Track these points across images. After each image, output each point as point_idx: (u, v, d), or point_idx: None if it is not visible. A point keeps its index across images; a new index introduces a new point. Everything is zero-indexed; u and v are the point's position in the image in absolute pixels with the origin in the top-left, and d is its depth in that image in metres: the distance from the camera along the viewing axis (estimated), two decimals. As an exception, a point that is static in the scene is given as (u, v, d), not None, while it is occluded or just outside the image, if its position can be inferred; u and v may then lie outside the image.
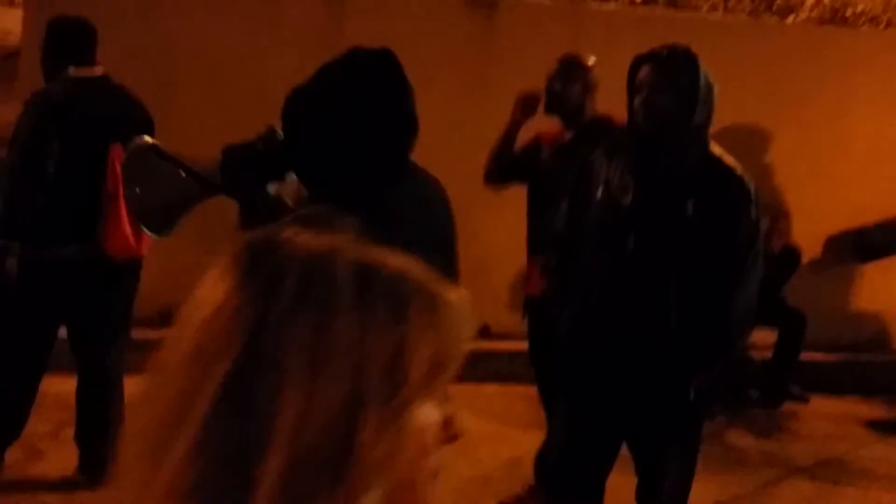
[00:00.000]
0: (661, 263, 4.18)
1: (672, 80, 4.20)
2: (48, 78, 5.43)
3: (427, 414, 1.13)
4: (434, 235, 3.05)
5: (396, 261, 1.16)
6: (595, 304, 4.32)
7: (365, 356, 1.08)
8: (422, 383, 1.11)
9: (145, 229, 4.90)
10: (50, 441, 5.83)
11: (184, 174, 4.18)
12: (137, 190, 4.40)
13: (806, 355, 8.35)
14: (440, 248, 3.05)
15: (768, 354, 8.36)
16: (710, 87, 4.25)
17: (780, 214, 8.41)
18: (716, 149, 4.29)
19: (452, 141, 7.45)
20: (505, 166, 5.78)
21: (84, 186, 5.22)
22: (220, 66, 7.93)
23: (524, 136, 5.80)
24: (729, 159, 4.27)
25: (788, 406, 8.19)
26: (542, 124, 5.79)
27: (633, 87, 4.30)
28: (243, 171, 3.59)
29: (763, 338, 8.22)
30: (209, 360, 1.08)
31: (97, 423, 5.48)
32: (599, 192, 4.33)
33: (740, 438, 7.37)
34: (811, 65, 8.82)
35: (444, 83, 8.21)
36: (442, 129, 8.02)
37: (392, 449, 1.08)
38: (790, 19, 9.55)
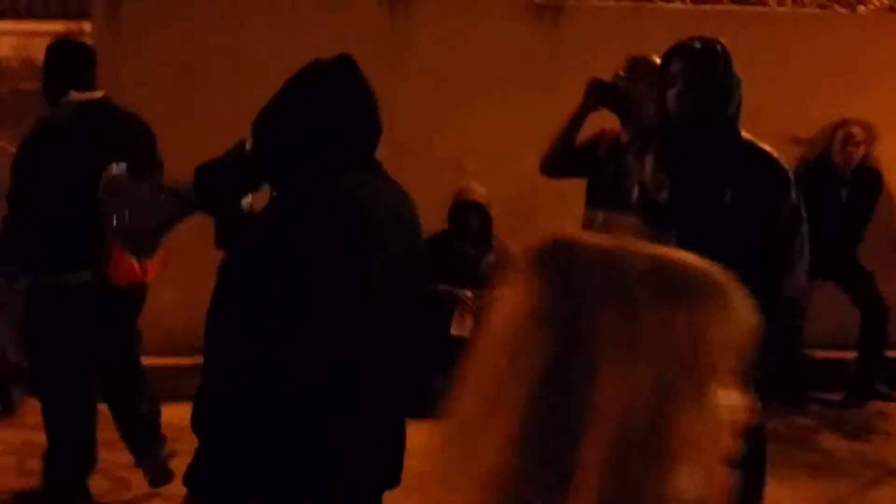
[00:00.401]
0: (705, 256, 4.10)
1: (707, 72, 4.17)
2: (50, 102, 5.45)
3: (725, 396, 1.21)
4: (397, 236, 3.14)
5: (679, 254, 1.28)
6: None
7: (667, 341, 1.16)
8: (718, 366, 1.20)
9: (128, 253, 4.94)
10: (135, 470, 5.80)
11: (159, 195, 4.23)
12: (119, 217, 4.45)
13: (893, 353, 8.15)
14: (405, 250, 3.16)
15: (833, 354, 8.17)
16: (739, 80, 4.24)
17: (855, 125, 8.03)
18: (747, 135, 4.23)
19: (517, 142, 7.37)
20: (562, 156, 5.64)
21: (92, 212, 5.18)
22: (285, 73, 7.89)
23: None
24: (763, 145, 4.23)
25: (876, 405, 7.99)
26: (612, 122, 5.67)
27: (664, 81, 4.24)
28: (215, 186, 3.68)
29: (831, 335, 8.05)
30: (522, 357, 1.17)
31: (139, 432, 5.56)
32: (635, 194, 4.27)
33: (830, 440, 7.20)
34: (881, 54, 8.64)
35: (509, 86, 8.15)
36: (507, 131, 7.97)
37: (699, 427, 1.16)
38: (860, 9, 9.35)
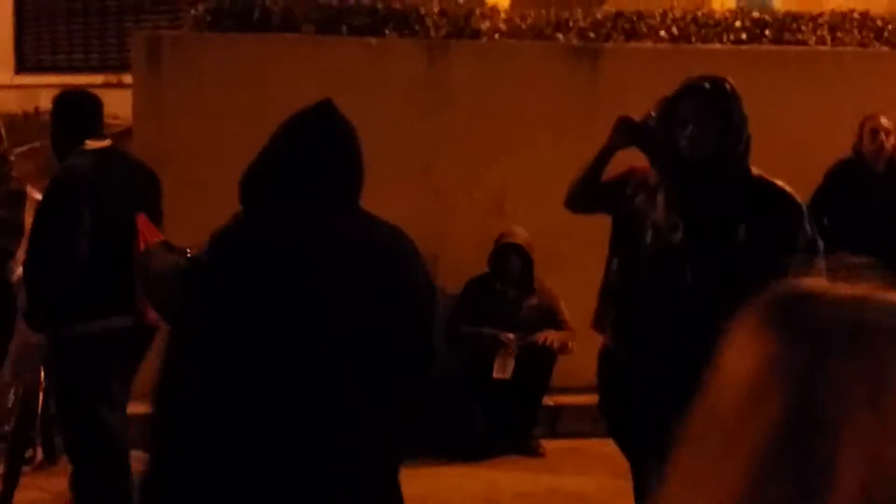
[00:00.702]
0: (722, 294, 4.08)
1: (718, 111, 4.19)
2: (64, 152, 5.50)
3: None
4: (366, 278, 3.02)
5: None
6: (664, 348, 4.24)
7: None
8: None
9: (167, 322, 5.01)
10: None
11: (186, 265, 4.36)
12: (150, 290, 4.54)
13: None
14: (379, 292, 3.02)
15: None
16: (746, 117, 4.26)
17: (881, 115, 7.72)
18: (758, 171, 4.28)
19: (556, 185, 7.36)
20: (588, 191, 5.59)
21: (121, 257, 5.21)
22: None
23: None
24: (774, 180, 4.28)
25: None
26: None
27: (674, 122, 4.26)
28: None
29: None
30: (756, 414, 1.08)
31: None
32: (649, 236, 4.27)
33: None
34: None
35: (548, 129, 8.16)
36: (546, 174, 7.95)
37: None
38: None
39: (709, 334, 4.22)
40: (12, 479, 5.89)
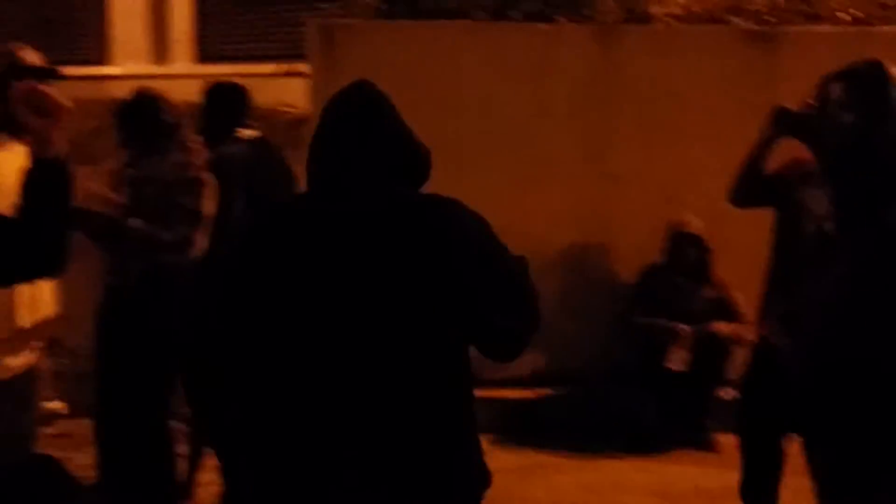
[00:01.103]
0: (881, 284, 3.93)
1: (869, 96, 4.00)
2: (216, 140, 5.69)
3: None
4: (374, 271, 2.83)
5: None
6: (823, 339, 4.11)
7: None
8: None
9: None
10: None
11: None
12: None
13: None
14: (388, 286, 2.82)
15: None
16: None
17: None
18: None
19: (731, 173, 7.23)
20: (750, 185, 5.44)
21: None
22: (495, 110, 7.94)
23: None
24: None
25: None
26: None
27: (824, 107, 4.10)
28: None
29: None
30: None
31: None
32: (809, 225, 4.14)
33: None
34: None
35: (722, 116, 7.99)
36: (721, 162, 7.77)
37: None
38: None
39: (870, 328, 4.08)
40: (195, 461, 5.99)
